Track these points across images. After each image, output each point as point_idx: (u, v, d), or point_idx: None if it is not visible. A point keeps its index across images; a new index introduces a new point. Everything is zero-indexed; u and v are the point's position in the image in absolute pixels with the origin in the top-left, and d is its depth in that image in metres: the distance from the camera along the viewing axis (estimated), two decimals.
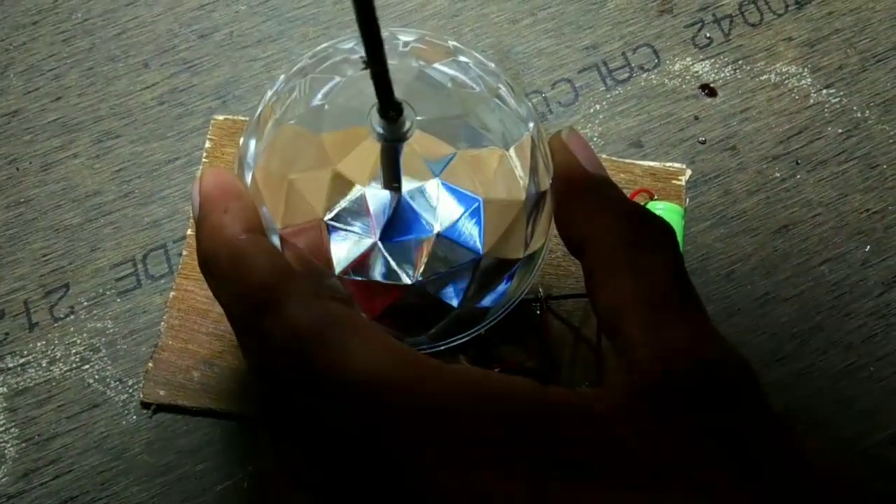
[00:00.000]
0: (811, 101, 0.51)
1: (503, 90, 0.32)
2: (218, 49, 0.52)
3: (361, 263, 0.30)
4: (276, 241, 0.30)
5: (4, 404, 0.44)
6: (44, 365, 0.45)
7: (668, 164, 0.48)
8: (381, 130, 0.28)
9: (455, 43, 0.33)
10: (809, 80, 0.52)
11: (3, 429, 0.44)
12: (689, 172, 0.48)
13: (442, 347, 0.34)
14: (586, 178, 0.31)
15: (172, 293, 0.45)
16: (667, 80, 0.51)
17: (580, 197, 0.31)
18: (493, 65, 0.33)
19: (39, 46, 0.52)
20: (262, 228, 0.30)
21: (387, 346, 0.26)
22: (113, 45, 0.52)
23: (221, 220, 0.29)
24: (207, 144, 0.49)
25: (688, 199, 0.48)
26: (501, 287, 0.33)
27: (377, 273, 0.31)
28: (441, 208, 0.30)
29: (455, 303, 0.32)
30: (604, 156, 0.49)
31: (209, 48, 0.52)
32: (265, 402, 0.28)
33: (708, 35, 0.53)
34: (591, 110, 0.50)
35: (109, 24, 0.53)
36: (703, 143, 0.50)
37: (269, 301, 0.27)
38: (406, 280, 0.30)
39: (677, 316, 0.28)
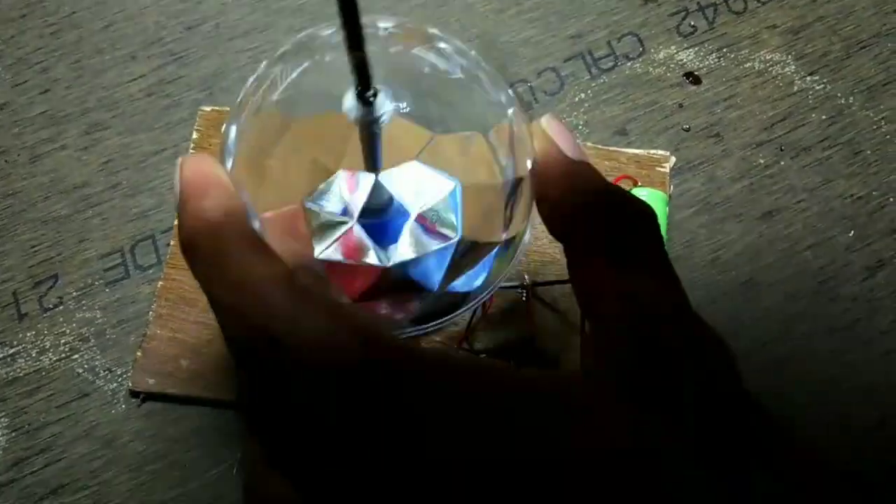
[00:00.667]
0: (795, 87, 0.51)
1: (482, 76, 0.32)
2: (205, 41, 0.52)
3: (340, 245, 0.31)
4: (256, 225, 0.30)
5: None
6: (33, 355, 0.45)
7: (653, 151, 0.48)
8: (357, 113, 0.28)
9: (435, 30, 0.33)
10: (793, 67, 0.52)
11: None
12: (673, 159, 0.48)
13: (425, 331, 0.35)
14: (566, 162, 0.32)
15: (160, 283, 0.46)
16: (651, 69, 0.52)
17: (560, 182, 0.31)
18: (473, 52, 0.33)
19: (27, 39, 0.52)
20: (243, 213, 0.30)
21: (364, 329, 0.26)
22: (100, 38, 0.52)
23: (201, 204, 0.29)
24: (195, 135, 0.49)
25: (672, 186, 0.48)
26: (481, 271, 0.33)
27: (356, 255, 0.31)
28: (418, 191, 0.30)
29: (434, 286, 0.32)
30: (589, 144, 0.49)
31: (196, 40, 0.52)
32: (244, 386, 0.28)
33: (692, 23, 0.53)
34: (577, 99, 0.51)
35: (97, 16, 0.53)
36: (688, 130, 0.50)
37: (249, 286, 0.27)
38: (384, 262, 0.31)
39: (655, 299, 0.28)
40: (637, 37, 0.52)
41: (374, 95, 0.28)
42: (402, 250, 0.31)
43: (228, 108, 0.49)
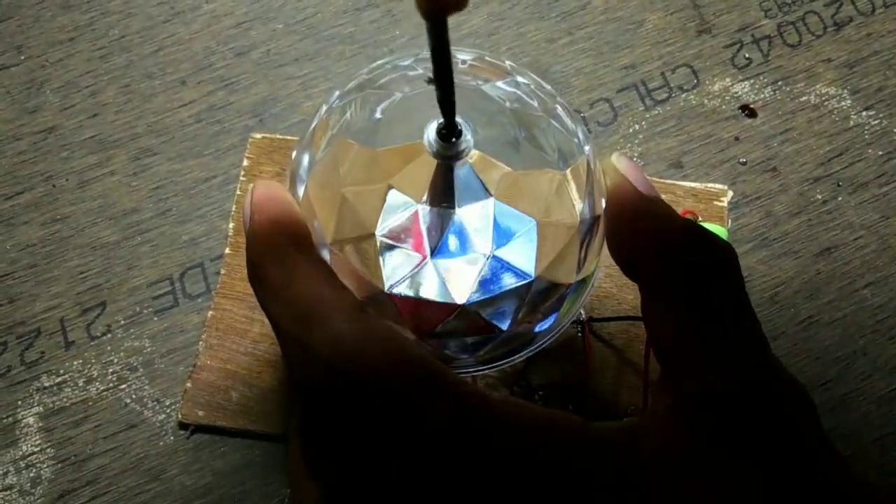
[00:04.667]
0: (851, 122, 0.51)
1: (560, 111, 0.32)
2: (255, 67, 0.52)
3: (412, 281, 0.30)
4: (326, 254, 0.30)
5: (40, 424, 0.44)
6: (80, 384, 0.45)
7: (710, 184, 0.48)
8: (437, 148, 0.28)
9: (511, 63, 0.32)
10: (849, 101, 0.51)
11: (39, 449, 0.43)
12: (731, 193, 0.48)
13: (486, 370, 0.34)
14: (639, 199, 0.31)
15: (211, 312, 0.45)
16: (706, 101, 0.51)
17: (633, 218, 0.31)
18: (549, 86, 0.32)
19: (76, 63, 0.52)
20: (312, 241, 0.29)
21: (429, 368, 0.26)
22: (150, 62, 0.52)
23: (271, 230, 0.29)
24: (245, 163, 0.48)
25: (730, 221, 0.47)
26: (552, 311, 0.32)
27: (427, 291, 0.30)
28: (495, 229, 0.30)
29: (505, 326, 0.31)
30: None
31: (246, 66, 0.52)
32: (304, 414, 0.27)
33: (747, 56, 0.52)
34: (631, 130, 0.50)
35: (146, 41, 0.52)
36: (744, 164, 0.49)
37: (315, 315, 0.26)
38: (456, 300, 0.30)
39: (732, 344, 0.27)
40: (691, 68, 0.52)
41: (457, 135, 0.27)
42: (475, 288, 0.30)
43: (279, 136, 0.49)
